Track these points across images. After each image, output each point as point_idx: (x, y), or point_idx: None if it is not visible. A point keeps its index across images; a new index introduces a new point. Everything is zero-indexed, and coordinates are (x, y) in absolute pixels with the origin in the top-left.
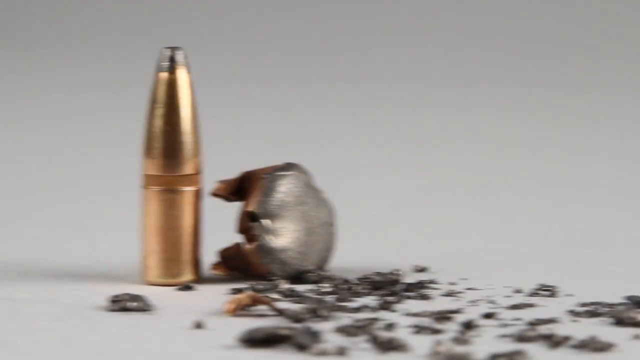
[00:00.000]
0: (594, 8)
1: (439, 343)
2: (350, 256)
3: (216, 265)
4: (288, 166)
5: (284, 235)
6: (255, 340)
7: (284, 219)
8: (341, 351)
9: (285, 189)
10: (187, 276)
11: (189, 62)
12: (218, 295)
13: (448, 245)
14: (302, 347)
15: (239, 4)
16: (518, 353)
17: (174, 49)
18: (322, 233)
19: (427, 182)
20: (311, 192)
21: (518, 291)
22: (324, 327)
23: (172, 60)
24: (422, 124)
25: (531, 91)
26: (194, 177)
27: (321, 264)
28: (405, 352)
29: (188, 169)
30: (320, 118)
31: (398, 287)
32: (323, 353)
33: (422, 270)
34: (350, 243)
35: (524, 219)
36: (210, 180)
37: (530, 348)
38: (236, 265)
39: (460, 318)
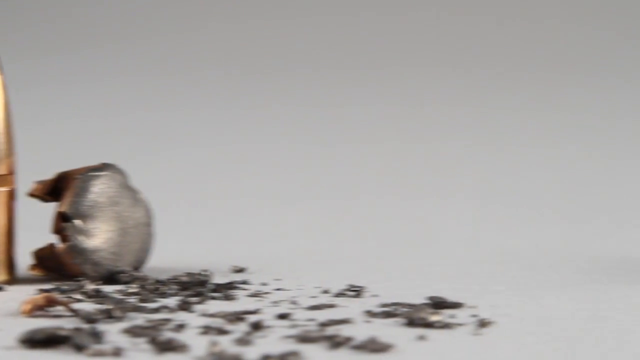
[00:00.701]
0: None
1: (213, 344)
2: (176, 256)
3: (34, 266)
4: (103, 166)
5: (96, 236)
6: (35, 341)
7: (97, 219)
8: (117, 352)
9: (98, 189)
10: (0, 276)
11: (2, 63)
12: (26, 295)
13: (273, 246)
14: (79, 348)
15: (55, 5)
16: (291, 354)
17: None
18: (138, 233)
19: (260, 183)
20: (127, 192)
21: (326, 291)
22: (114, 327)
23: None
24: (253, 124)
25: (371, 96)
26: (7, 178)
27: (138, 264)
28: (182, 352)
29: (0, 169)
30: (143, 117)
31: (206, 288)
32: (99, 354)
33: (240, 270)
34: (179, 243)
35: (354, 220)
36: (27, 181)
37: (309, 349)
38: (51, 265)
39: (253, 319)
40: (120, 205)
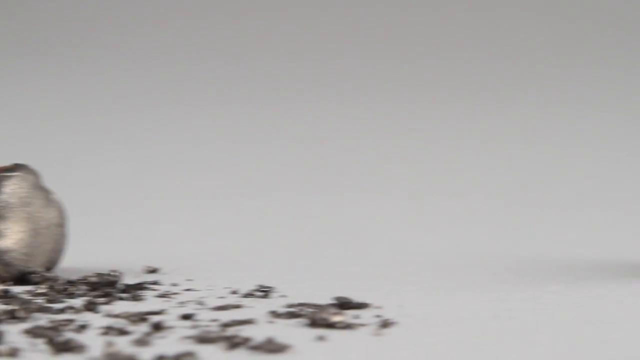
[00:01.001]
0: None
1: (109, 344)
2: (90, 257)
3: None
4: (15, 167)
5: (7, 237)
6: None
7: (8, 220)
8: (13, 352)
9: (10, 190)
10: None
11: None
12: None
13: (189, 246)
14: None
15: None
16: (186, 355)
17: None
18: (50, 234)
19: (179, 183)
20: (39, 193)
21: (235, 292)
22: (16, 328)
23: None
24: (169, 124)
25: (295, 93)
26: None
27: (50, 265)
28: (78, 353)
29: None
30: (58, 118)
31: (115, 288)
32: None
33: (153, 271)
34: (94, 244)
35: (273, 220)
36: None
37: (206, 349)
38: None
39: (155, 319)
40: (32, 206)
